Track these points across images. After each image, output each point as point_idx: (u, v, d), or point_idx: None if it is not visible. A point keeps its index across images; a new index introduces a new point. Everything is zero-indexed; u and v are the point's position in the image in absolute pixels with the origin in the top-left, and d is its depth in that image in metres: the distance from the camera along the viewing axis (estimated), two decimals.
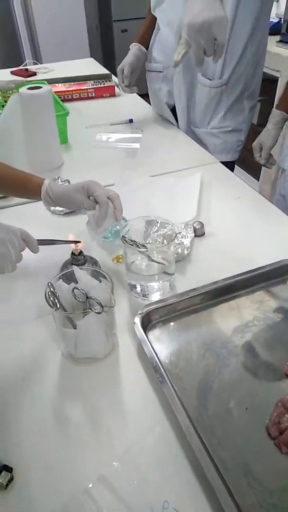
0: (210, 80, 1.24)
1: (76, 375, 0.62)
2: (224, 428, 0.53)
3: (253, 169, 2.55)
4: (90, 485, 0.48)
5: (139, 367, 0.62)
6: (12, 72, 2.03)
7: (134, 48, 1.39)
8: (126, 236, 0.69)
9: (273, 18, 2.46)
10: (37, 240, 0.67)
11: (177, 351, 0.64)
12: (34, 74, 2.01)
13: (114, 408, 0.57)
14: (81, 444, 0.53)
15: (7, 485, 0.48)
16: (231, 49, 1.18)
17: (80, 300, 0.57)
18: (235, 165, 1.47)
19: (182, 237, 0.84)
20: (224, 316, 0.70)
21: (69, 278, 0.63)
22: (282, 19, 2.29)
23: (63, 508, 0.46)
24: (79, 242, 0.72)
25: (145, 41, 1.39)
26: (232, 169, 1.33)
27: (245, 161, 1.64)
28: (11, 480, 0.49)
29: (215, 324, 0.69)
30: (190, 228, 0.88)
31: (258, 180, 2.56)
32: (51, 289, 0.58)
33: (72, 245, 0.73)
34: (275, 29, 2.24)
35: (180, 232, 0.83)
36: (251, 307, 0.72)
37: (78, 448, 0.53)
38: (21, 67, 2.08)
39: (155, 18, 1.30)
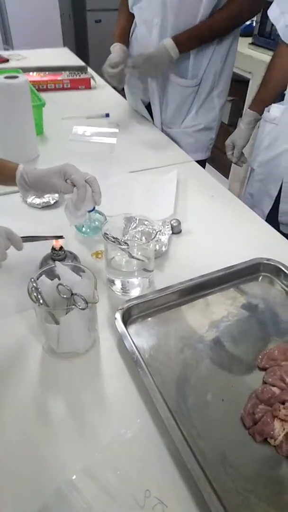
0: (184, 79, 1.26)
1: (57, 369, 0.62)
2: (202, 419, 0.56)
3: (223, 168, 2.61)
4: (74, 477, 0.49)
5: (119, 361, 0.64)
6: None
7: (117, 47, 1.34)
8: (107, 233, 0.70)
9: None
10: (21, 237, 0.66)
11: (157, 346, 0.66)
12: (7, 60, 1.96)
13: (95, 401, 0.58)
14: (63, 437, 0.54)
15: None
16: (203, 50, 1.21)
17: (65, 296, 0.57)
18: (206, 163, 1.51)
19: (159, 234, 0.86)
20: (200, 311, 0.73)
21: (49, 273, 0.63)
22: (254, 21, 2.34)
23: (48, 500, 0.47)
24: (62, 237, 0.72)
25: (125, 40, 1.37)
26: (203, 167, 1.36)
27: (215, 159, 1.68)
28: None
29: (192, 319, 0.72)
30: (167, 225, 0.89)
31: (227, 178, 2.62)
32: (34, 285, 0.58)
33: (53, 240, 0.73)
34: (247, 31, 2.30)
35: (160, 230, 0.84)
36: (225, 303, 0.75)
37: (60, 441, 0.53)
38: None
39: (132, 15, 1.30)
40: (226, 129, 2.29)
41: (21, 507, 0.47)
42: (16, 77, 1.06)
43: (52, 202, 0.98)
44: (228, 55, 1.26)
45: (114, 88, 1.77)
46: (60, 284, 0.58)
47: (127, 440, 0.54)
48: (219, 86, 1.31)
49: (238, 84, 2.05)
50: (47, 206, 0.98)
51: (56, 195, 0.99)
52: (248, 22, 2.46)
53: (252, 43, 2.29)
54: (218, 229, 0.95)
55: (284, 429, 0.52)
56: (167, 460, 0.52)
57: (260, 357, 0.64)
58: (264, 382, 0.60)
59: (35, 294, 0.58)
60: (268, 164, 1.13)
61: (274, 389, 0.57)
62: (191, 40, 1.19)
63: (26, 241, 0.66)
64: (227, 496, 0.47)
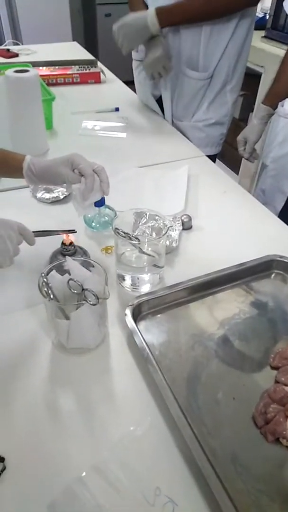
0: (195, 71, 1.24)
1: (67, 365, 0.62)
2: (213, 418, 0.55)
3: (233, 163, 2.58)
4: (84, 474, 0.49)
5: (129, 357, 0.63)
6: None
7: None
8: (118, 228, 0.69)
9: (258, 13, 2.47)
10: (33, 232, 0.66)
11: (167, 342, 0.66)
12: (16, 55, 1.95)
13: (105, 398, 0.58)
14: (73, 433, 0.54)
15: (0, 474, 0.48)
16: (216, 42, 1.18)
17: (76, 291, 0.57)
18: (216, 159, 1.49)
19: (170, 230, 0.85)
20: (211, 308, 0.72)
21: (59, 268, 0.63)
22: (268, 14, 2.30)
23: (57, 496, 0.47)
24: (74, 231, 0.72)
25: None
26: (213, 162, 1.35)
27: (225, 154, 1.67)
28: (3, 470, 0.49)
29: (203, 316, 0.71)
30: (178, 221, 0.89)
31: (237, 174, 2.59)
32: (45, 280, 0.58)
33: (63, 235, 0.72)
34: (260, 24, 2.26)
35: (171, 226, 0.83)
36: (237, 300, 0.74)
37: (70, 437, 0.53)
38: (2, 47, 2.00)
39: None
40: (237, 124, 2.26)
41: (30, 503, 0.47)
42: (26, 71, 1.05)
43: (61, 197, 0.98)
44: (243, 49, 1.24)
45: (124, 82, 1.76)
46: (71, 279, 0.57)
47: (137, 437, 0.53)
48: (232, 81, 1.28)
49: (250, 78, 2.01)
50: (56, 201, 0.97)
51: (65, 190, 0.99)
52: (261, 15, 2.43)
53: (265, 36, 2.26)
54: (230, 226, 0.93)
55: None
56: (177, 458, 0.51)
57: (272, 356, 0.63)
58: (277, 381, 0.59)
59: (45, 289, 0.57)
60: (282, 159, 1.11)
61: (287, 388, 0.56)
62: (174, 14, 1.13)
63: (38, 235, 0.66)
64: (238, 496, 0.47)
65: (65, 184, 0.74)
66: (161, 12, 1.13)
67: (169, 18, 1.14)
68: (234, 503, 0.45)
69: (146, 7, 1.22)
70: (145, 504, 0.47)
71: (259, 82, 2.21)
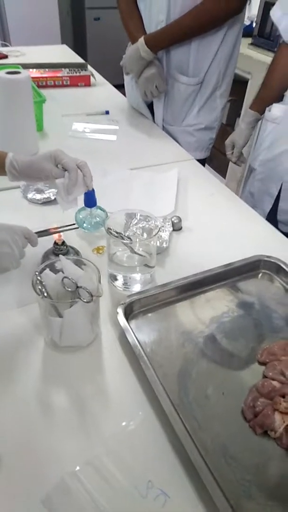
0: (186, 77, 1.27)
1: (60, 363, 0.62)
2: (203, 412, 0.56)
3: (221, 167, 2.62)
4: (78, 468, 0.50)
5: (121, 355, 0.64)
6: None
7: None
8: (111, 228, 0.70)
9: (245, 21, 2.52)
10: (36, 232, 0.67)
11: (158, 340, 0.67)
12: (6, 56, 1.95)
13: (98, 394, 0.59)
14: (66, 430, 0.54)
15: None
16: (206, 49, 1.22)
17: (70, 289, 0.58)
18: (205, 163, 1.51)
19: (161, 231, 0.87)
20: (201, 307, 0.74)
21: (52, 267, 0.64)
22: (254, 22, 2.35)
23: (52, 490, 0.48)
24: (76, 227, 0.73)
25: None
26: (203, 166, 1.37)
27: (213, 158, 1.69)
28: None
29: (193, 314, 0.72)
30: (168, 222, 0.90)
31: (224, 177, 2.63)
32: (38, 278, 0.59)
33: (55, 235, 0.73)
34: (246, 32, 2.30)
35: (162, 226, 0.85)
36: (225, 299, 0.76)
37: (63, 433, 0.54)
38: None
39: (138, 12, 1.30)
40: (224, 128, 2.29)
41: (25, 497, 0.48)
42: (18, 72, 1.06)
43: (52, 197, 0.98)
44: (233, 55, 1.27)
45: (114, 85, 1.77)
46: (65, 277, 0.58)
47: (129, 432, 0.54)
48: (222, 86, 1.31)
49: (237, 84, 2.05)
50: (47, 202, 0.98)
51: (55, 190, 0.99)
52: (247, 23, 2.48)
53: (252, 44, 2.31)
54: (218, 227, 0.95)
55: (284, 422, 0.53)
56: (169, 451, 0.52)
57: (260, 352, 0.64)
58: (264, 376, 0.61)
59: (39, 287, 0.58)
60: (269, 163, 1.14)
61: (274, 383, 0.58)
62: (161, 39, 1.19)
63: (41, 235, 0.67)
64: (228, 487, 0.48)
65: (47, 182, 0.75)
66: (149, 40, 1.19)
67: (159, 44, 1.20)
68: (224, 494, 0.47)
69: (143, 31, 1.25)
70: (137, 496, 0.48)
71: (246, 88, 2.26)
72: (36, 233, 0.67)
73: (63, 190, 0.74)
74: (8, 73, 1.04)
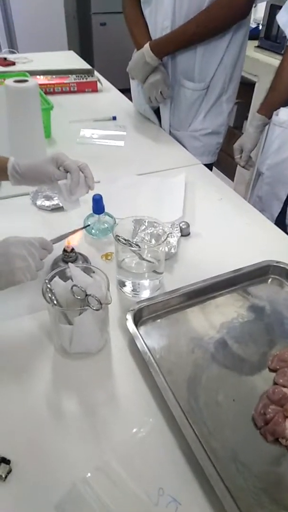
0: (192, 82, 1.27)
1: (69, 370, 0.63)
2: (213, 419, 0.56)
3: (228, 170, 2.62)
4: (89, 475, 0.50)
5: (131, 361, 0.65)
6: None
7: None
8: (119, 235, 0.71)
9: (251, 24, 2.52)
10: (52, 240, 0.69)
11: (167, 346, 0.67)
12: (13, 64, 1.97)
13: (108, 401, 0.59)
14: (77, 436, 0.55)
15: (6, 477, 0.49)
16: (212, 54, 1.22)
17: (79, 297, 0.58)
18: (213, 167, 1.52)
19: (169, 237, 0.87)
20: (210, 313, 0.74)
21: (61, 275, 0.64)
22: (261, 24, 2.35)
23: (63, 497, 0.48)
24: (88, 225, 0.77)
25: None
26: (210, 171, 1.37)
27: (221, 162, 1.70)
28: (9, 472, 0.50)
29: (202, 320, 0.72)
30: (176, 228, 0.90)
31: (233, 181, 2.63)
32: (48, 286, 0.59)
33: (64, 242, 0.74)
34: (253, 34, 2.30)
35: (171, 233, 0.85)
36: (235, 305, 0.76)
37: (74, 440, 0.54)
38: None
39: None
40: (231, 131, 2.30)
41: (36, 503, 0.48)
42: (25, 81, 1.07)
43: (61, 204, 0.99)
44: (239, 59, 1.27)
45: (120, 90, 1.79)
46: (74, 285, 0.59)
47: (139, 439, 0.54)
48: (228, 91, 1.31)
49: (244, 87, 2.05)
50: (56, 209, 0.99)
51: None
52: (254, 25, 2.48)
53: (258, 46, 2.30)
54: (227, 232, 0.95)
55: None
56: (180, 458, 0.53)
57: (270, 358, 0.64)
58: (275, 383, 0.60)
59: (49, 295, 0.59)
60: (277, 167, 1.14)
61: (285, 390, 0.58)
62: (166, 45, 1.20)
63: (56, 242, 0.69)
64: (239, 494, 0.48)
65: (49, 185, 0.77)
66: (154, 46, 1.20)
67: (165, 50, 1.21)
68: (236, 502, 0.47)
69: (149, 37, 1.26)
70: (149, 503, 0.48)
71: (253, 90, 2.25)
72: (52, 240, 0.68)
73: (65, 191, 0.76)
74: (16, 81, 1.06)
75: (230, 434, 0.55)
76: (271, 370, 0.63)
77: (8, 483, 0.49)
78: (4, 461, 0.50)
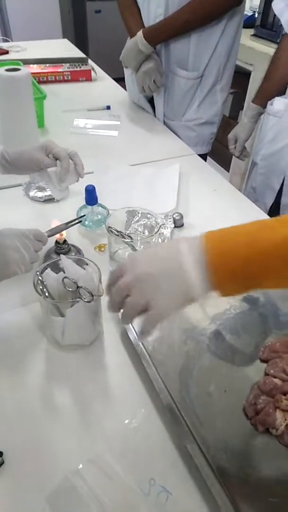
0: (185, 71, 1.26)
1: (62, 361, 0.63)
2: (205, 410, 0.57)
3: (224, 161, 2.61)
4: (80, 466, 0.50)
5: (123, 353, 0.65)
6: None
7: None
8: (111, 226, 0.70)
9: (247, 11, 2.49)
10: (47, 231, 0.68)
11: (160, 338, 0.67)
12: (6, 52, 1.94)
13: (100, 393, 0.59)
14: (69, 428, 0.55)
15: None
16: (206, 42, 1.20)
17: (70, 289, 0.58)
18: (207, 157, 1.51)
19: (162, 228, 0.86)
20: (203, 304, 0.74)
21: (54, 266, 0.64)
22: (256, 12, 2.32)
23: (55, 488, 0.48)
24: (83, 216, 0.77)
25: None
26: (204, 161, 1.36)
27: (216, 152, 1.68)
28: (1, 464, 0.50)
29: (195, 312, 0.72)
30: (170, 219, 0.90)
31: (228, 171, 2.62)
32: (40, 278, 0.59)
33: (57, 234, 0.73)
34: (249, 22, 2.27)
35: (164, 224, 0.85)
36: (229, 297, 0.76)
37: (66, 431, 0.55)
38: None
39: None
40: (227, 121, 2.28)
41: (29, 495, 0.48)
42: (17, 69, 1.05)
43: (50, 193, 0.98)
44: (233, 48, 1.25)
45: (114, 79, 1.76)
46: (65, 277, 0.59)
47: (131, 430, 0.55)
48: (222, 80, 1.30)
49: (240, 76, 2.03)
50: (49, 200, 0.98)
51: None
52: (250, 13, 2.45)
53: (254, 35, 2.27)
54: (221, 223, 0.93)
55: (285, 420, 0.54)
56: (171, 449, 0.53)
57: (262, 349, 0.65)
58: (266, 374, 0.61)
59: (40, 287, 0.59)
60: (271, 157, 1.13)
61: (276, 380, 0.58)
62: (159, 32, 1.19)
63: (52, 235, 0.68)
64: (230, 484, 0.48)
65: (38, 173, 0.77)
66: (147, 33, 1.18)
67: (158, 37, 1.19)
68: (226, 491, 0.47)
69: (142, 25, 1.24)
70: (140, 494, 0.49)
71: (249, 80, 2.23)
72: (47, 231, 0.68)
73: (55, 178, 0.77)
74: (8, 70, 1.04)
75: (221, 424, 0.55)
76: (263, 360, 0.63)
77: (1, 475, 0.50)
78: None
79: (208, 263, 0.45)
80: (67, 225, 0.73)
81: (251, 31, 2.29)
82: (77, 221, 0.76)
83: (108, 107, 1.47)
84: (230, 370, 0.63)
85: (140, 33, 1.19)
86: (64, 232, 0.74)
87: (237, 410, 0.57)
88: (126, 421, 0.55)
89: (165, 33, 1.19)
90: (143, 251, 0.50)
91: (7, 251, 0.60)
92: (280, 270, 0.45)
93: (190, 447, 0.50)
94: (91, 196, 0.86)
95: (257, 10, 2.31)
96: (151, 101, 1.42)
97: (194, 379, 0.61)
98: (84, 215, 0.85)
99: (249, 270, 0.45)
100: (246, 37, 2.25)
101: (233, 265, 0.45)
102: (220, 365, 0.63)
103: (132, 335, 0.64)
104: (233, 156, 1.31)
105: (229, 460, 0.51)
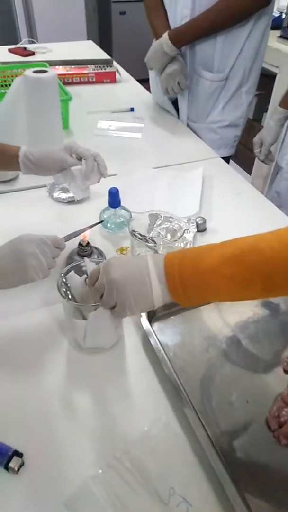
0: (210, 73, 1.25)
1: (83, 364, 0.63)
2: (226, 420, 0.56)
3: (246, 163, 2.57)
4: (100, 471, 0.50)
5: (144, 358, 0.64)
6: (10, 50, 1.97)
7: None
8: (135, 230, 0.70)
9: (274, 13, 2.45)
10: (65, 237, 0.68)
11: (181, 344, 0.66)
12: (33, 53, 1.97)
13: (120, 397, 0.59)
14: (89, 431, 0.55)
15: (18, 470, 0.50)
16: (232, 44, 1.19)
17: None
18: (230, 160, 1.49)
19: (185, 232, 0.86)
20: (225, 311, 0.73)
21: (76, 269, 0.64)
22: (284, 13, 2.28)
23: (74, 492, 0.48)
24: (102, 221, 0.77)
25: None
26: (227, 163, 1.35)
27: (238, 154, 1.66)
28: (22, 465, 0.50)
29: (217, 319, 0.71)
30: (192, 223, 0.89)
31: (250, 174, 2.58)
32: (63, 280, 0.59)
33: (80, 236, 0.73)
34: (275, 24, 2.23)
35: (188, 229, 0.84)
36: (251, 304, 0.74)
37: (86, 435, 0.54)
38: (19, 46, 2.02)
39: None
40: (251, 124, 2.25)
41: (47, 498, 0.48)
42: (45, 71, 1.06)
43: (72, 193, 0.99)
44: (260, 49, 1.23)
45: (138, 80, 1.76)
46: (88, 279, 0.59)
47: (151, 436, 0.54)
48: (248, 82, 1.28)
49: (265, 79, 2.00)
50: (72, 201, 0.99)
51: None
52: (277, 14, 2.41)
53: (281, 36, 2.24)
54: (244, 228, 0.92)
55: None
56: (191, 458, 0.52)
57: (286, 359, 0.63)
58: None
59: (64, 289, 0.59)
60: None
61: None
62: (185, 34, 1.18)
63: (70, 239, 0.68)
64: (251, 497, 0.47)
65: (60, 174, 0.79)
66: (173, 35, 1.18)
67: (183, 39, 1.19)
68: (248, 506, 0.46)
69: (168, 26, 1.24)
70: (159, 503, 0.48)
71: (274, 82, 2.20)
72: (65, 237, 0.68)
73: (79, 176, 0.79)
74: (36, 72, 1.05)
75: (243, 436, 0.54)
76: (286, 372, 0.62)
77: (20, 476, 0.50)
78: (17, 454, 0.51)
79: (167, 274, 0.53)
80: (84, 229, 0.73)
81: (278, 32, 2.25)
82: (95, 224, 0.76)
83: (132, 109, 1.47)
84: (252, 380, 0.62)
85: (165, 35, 1.19)
86: (87, 234, 0.74)
87: (259, 421, 0.56)
88: (146, 428, 0.55)
89: (191, 35, 1.18)
90: (117, 258, 0.57)
91: (26, 257, 0.60)
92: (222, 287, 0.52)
93: (211, 458, 0.50)
94: (114, 199, 0.86)
95: (285, 11, 2.27)
96: (175, 103, 1.42)
97: (216, 388, 0.60)
98: (103, 220, 0.84)
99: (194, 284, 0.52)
100: (273, 39, 2.22)
101: (182, 278, 0.52)
102: (242, 374, 0.62)
103: (153, 340, 0.64)
104: (256, 159, 1.29)
105: (250, 473, 0.50)
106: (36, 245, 0.61)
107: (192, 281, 0.51)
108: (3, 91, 1.42)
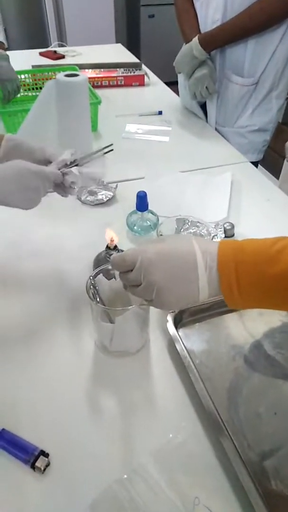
0: (240, 77, 1.23)
1: (109, 367, 0.63)
2: (254, 431, 0.55)
3: (274, 168, 2.53)
4: (125, 476, 0.50)
5: (169, 363, 0.64)
6: (40, 54, 2.01)
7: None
8: (162, 234, 0.70)
9: None
10: (69, 164, 0.69)
11: (207, 351, 0.66)
12: (63, 57, 2.00)
13: (145, 402, 0.59)
14: (115, 435, 0.55)
15: (44, 469, 0.50)
16: (263, 48, 1.17)
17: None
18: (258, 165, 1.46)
19: (213, 238, 0.85)
20: (253, 320, 0.71)
21: (105, 272, 0.64)
22: None
23: (98, 496, 0.48)
24: (111, 146, 0.74)
25: None
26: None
27: (266, 158, 1.64)
28: (48, 465, 0.51)
29: (245, 327, 0.70)
30: (220, 228, 0.88)
31: (277, 179, 2.54)
32: (92, 283, 0.59)
33: (107, 239, 0.73)
34: None
35: (216, 234, 0.83)
36: (280, 313, 0.73)
37: (112, 439, 0.54)
38: (49, 49, 2.06)
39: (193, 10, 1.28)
40: (279, 128, 2.21)
41: (71, 500, 0.49)
42: (75, 75, 1.07)
43: (105, 200, 1.00)
44: None
45: (166, 83, 1.76)
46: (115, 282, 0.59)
47: (176, 444, 0.54)
48: (279, 87, 1.26)
49: None
50: (99, 204, 0.99)
51: (110, 193, 1.00)
52: None
53: None
54: (273, 234, 0.90)
55: None
56: (217, 469, 0.51)
57: None
58: None
59: (92, 292, 0.59)
60: None
61: None
62: (216, 38, 1.17)
63: (76, 165, 0.69)
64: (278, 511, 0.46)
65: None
66: (203, 39, 1.18)
67: (214, 43, 1.19)
68: None
69: (198, 30, 1.23)
70: (184, 511, 0.47)
71: None
72: (70, 164, 0.69)
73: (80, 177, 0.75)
74: (67, 75, 1.06)
75: (270, 448, 0.53)
76: None
77: (46, 476, 0.50)
78: (43, 454, 0.51)
79: (220, 271, 0.47)
80: (96, 153, 0.73)
81: None
82: (104, 150, 0.74)
83: (160, 112, 1.47)
84: (281, 392, 0.60)
85: (195, 39, 1.18)
86: (115, 238, 0.74)
87: (287, 434, 0.54)
88: (171, 435, 0.54)
89: (222, 40, 1.17)
90: (155, 249, 0.49)
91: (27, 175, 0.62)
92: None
93: (237, 469, 0.49)
94: (142, 203, 0.86)
95: None
96: (203, 106, 1.41)
97: (243, 398, 0.59)
98: (111, 144, 0.79)
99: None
100: None
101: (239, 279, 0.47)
102: (270, 385, 0.61)
103: (180, 346, 0.63)
104: (284, 163, 1.26)
105: (278, 487, 0.49)
106: (41, 180, 0.64)
107: (254, 287, 0.46)
108: (34, 94, 1.45)
